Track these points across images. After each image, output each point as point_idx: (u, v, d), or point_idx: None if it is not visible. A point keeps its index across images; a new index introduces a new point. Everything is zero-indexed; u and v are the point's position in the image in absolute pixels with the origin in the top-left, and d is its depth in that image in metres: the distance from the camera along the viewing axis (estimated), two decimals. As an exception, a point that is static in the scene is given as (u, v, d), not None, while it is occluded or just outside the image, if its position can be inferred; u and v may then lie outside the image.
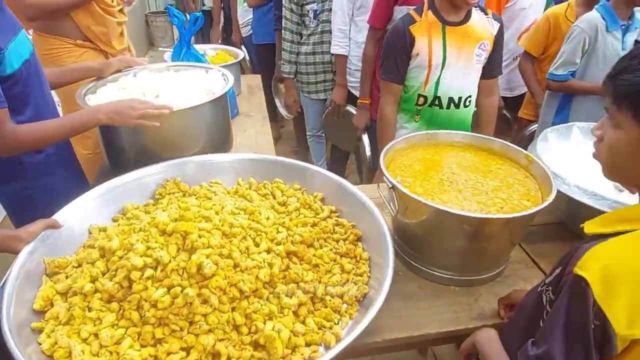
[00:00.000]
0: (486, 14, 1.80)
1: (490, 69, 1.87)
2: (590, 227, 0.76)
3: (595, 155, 0.79)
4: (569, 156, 1.53)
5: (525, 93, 2.77)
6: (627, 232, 0.69)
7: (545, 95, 2.42)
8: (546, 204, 1.11)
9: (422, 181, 1.31)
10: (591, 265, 0.65)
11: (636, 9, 2.07)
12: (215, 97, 1.63)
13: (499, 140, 1.45)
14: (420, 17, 1.71)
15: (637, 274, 0.63)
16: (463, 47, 1.74)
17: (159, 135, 1.52)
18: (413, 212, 1.19)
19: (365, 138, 2.32)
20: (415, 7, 1.78)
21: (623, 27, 2.06)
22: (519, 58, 2.66)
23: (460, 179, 1.31)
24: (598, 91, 2.10)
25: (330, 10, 2.66)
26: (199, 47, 2.37)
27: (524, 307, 0.87)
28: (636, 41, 2.08)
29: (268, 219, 1.26)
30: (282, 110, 3.37)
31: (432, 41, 1.71)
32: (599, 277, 0.63)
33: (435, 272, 1.26)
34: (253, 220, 1.21)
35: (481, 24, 1.77)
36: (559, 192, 1.18)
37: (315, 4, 2.73)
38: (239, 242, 1.10)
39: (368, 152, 2.30)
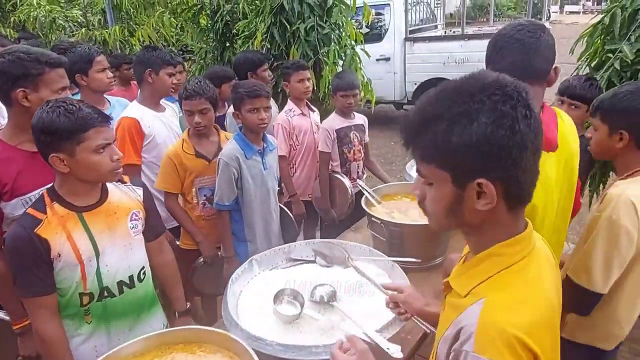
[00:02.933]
0: (123, 182, 1.67)
1: (152, 231, 1.74)
2: (458, 287, 0.89)
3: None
4: (258, 302, 1.57)
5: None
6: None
7: None
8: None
9: None
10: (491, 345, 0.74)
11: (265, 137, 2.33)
12: None
13: (192, 327, 1.32)
14: (45, 214, 1.41)
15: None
16: (113, 226, 1.54)
17: None
18: None
19: None
20: (31, 204, 1.47)
21: (259, 151, 2.30)
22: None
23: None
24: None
25: None
26: None
27: None
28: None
29: None
30: None
31: (72, 236, 1.44)
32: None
33: None
34: None
35: (123, 194, 1.62)
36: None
37: None
38: None
39: None
